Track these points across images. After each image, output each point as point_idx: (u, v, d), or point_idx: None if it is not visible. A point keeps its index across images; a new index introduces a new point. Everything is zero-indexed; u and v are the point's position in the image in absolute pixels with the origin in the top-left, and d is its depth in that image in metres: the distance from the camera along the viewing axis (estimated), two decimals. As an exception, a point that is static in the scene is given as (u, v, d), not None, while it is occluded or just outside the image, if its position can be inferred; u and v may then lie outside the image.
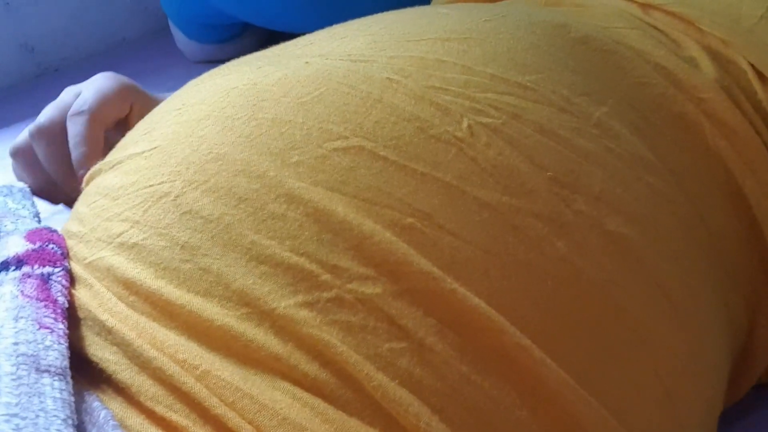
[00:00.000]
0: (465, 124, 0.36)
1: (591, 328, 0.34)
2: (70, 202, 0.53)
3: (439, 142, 0.35)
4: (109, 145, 0.56)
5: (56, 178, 0.53)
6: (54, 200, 0.56)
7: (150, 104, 0.55)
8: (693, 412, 0.38)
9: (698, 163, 0.42)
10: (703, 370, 0.39)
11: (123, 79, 0.54)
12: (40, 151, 0.53)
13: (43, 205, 0.80)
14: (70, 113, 0.51)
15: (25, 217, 0.41)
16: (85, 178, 0.41)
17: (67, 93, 0.54)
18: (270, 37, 1.10)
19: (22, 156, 0.54)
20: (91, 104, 0.51)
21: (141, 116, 0.56)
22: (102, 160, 0.49)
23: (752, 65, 0.45)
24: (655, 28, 0.46)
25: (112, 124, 0.53)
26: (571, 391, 0.32)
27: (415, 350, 0.31)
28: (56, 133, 0.52)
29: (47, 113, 0.53)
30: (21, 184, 0.45)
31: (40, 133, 0.53)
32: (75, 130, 0.51)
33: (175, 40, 1.15)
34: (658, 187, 0.39)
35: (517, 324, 0.32)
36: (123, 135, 0.55)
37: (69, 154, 0.51)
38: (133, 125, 0.55)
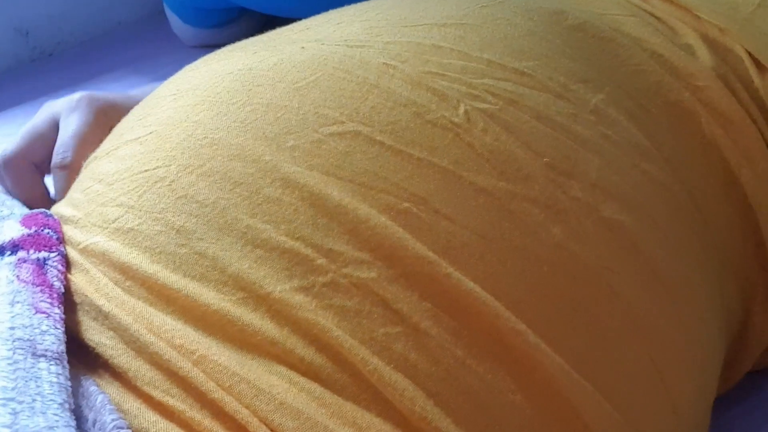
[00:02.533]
0: (462, 110, 0.36)
1: (586, 313, 0.34)
2: None
3: (435, 128, 0.35)
4: None
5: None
6: None
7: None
8: (687, 398, 0.38)
9: (694, 151, 0.42)
10: (697, 356, 0.39)
11: (97, 101, 0.49)
12: (8, 182, 0.49)
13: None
14: (53, 165, 0.47)
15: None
16: (84, 164, 0.41)
17: (41, 116, 0.49)
18: (266, 22, 1.10)
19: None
20: (73, 158, 0.47)
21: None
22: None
23: (749, 53, 0.45)
24: (653, 15, 0.46)
25: (94, 149, 0.47)
26: (566, 376, 0.32)
27: (411, 334, 0.31)
28: (23, 166, 0.48)
29: (15, 143, 0.49)
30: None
31: (7, 164, 0.48)
32: (59, 185, 0.47)
33: (171, 24, 1.14)
34: (654, 174, 0.39)
35: (512, 309, 0.32)
36: None
37: (37, 188, 0.48)
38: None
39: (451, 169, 0.34)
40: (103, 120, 0.48)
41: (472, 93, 0.36)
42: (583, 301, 0.34)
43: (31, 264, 0.32)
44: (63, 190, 0.47)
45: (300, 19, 0.45)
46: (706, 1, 0.47)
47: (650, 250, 0.37)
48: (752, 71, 0.44)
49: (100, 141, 0.48)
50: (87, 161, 0.40)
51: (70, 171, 0.47)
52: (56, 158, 0.47)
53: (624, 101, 0.40)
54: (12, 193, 0.49)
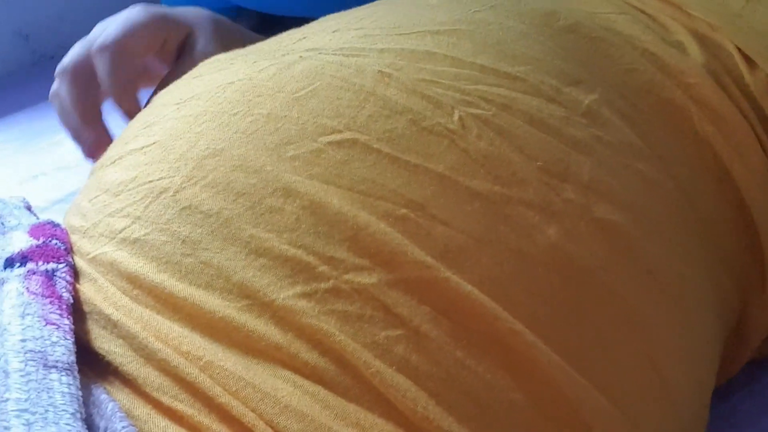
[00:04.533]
0: (456, 116, 0.36)
1: (582, 312, 0.35)
2: (93, 151, 0.50)
3: (431, 134, 0.35)
4: (151, 76, 0.54)
5: (79, 120, 0.51)
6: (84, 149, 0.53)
7: (183, 32, 0.53)
8: (685, 393, 0.38)
9: (686, 148, 0.43)
10: (694, 352, 0.39)
11: (154, 9, 0.51)
12: (63, 92, 0.51)
13: (46, 194, 0.81)
14: (94, 49, 0.49)
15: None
16: (90, 170, 0.41)
17: (97, 28, 0.52)
18: (263, 21, 1.10)
19: (56, 100, 0.53)
20: (114, 37, 0.49)
21: (177, 42, 0.53)
22: (136, 91, 0.48)
23: (739, 49, 0.45)
24: (643, 12, 0.46)
25: (143, 56, 0.52)
26: (565, 374, 0.33)
27: (411, 337, 0.32)
28: (78, 71, 0.51)
29: (72, 52, 0.51)
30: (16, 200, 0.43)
31: (64, 72, 0.51)
32: (101, 66, 0.49)
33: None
34: (647, 173, 0.39)
35: (510, 310, 0.33)
36: (166, 64, 0.53)
37: (93, 93, 0.50)
38: (170, 56, 0.53)
39: (447, 175, 0.34)
40: (156, 23, 0.51)
41: (466, 99, 0.37)
42: (579, 301, 0.35)
43: (40, 276, 0.33)
44: (102, 72, 0.49)
45: (295, 17, 0.45)
46: (697, -3, 0.48)
47: (644, 249, 0.37)
48: (743, 67, 0.44)
49: (150, 41, 0.50)
50: (93, 168, 0.41)
51: (113, 54, 0.49)
52: (98, 43, 0.49)
53: (616, 101, 0.41)
54: (69, 105, 0.50)
